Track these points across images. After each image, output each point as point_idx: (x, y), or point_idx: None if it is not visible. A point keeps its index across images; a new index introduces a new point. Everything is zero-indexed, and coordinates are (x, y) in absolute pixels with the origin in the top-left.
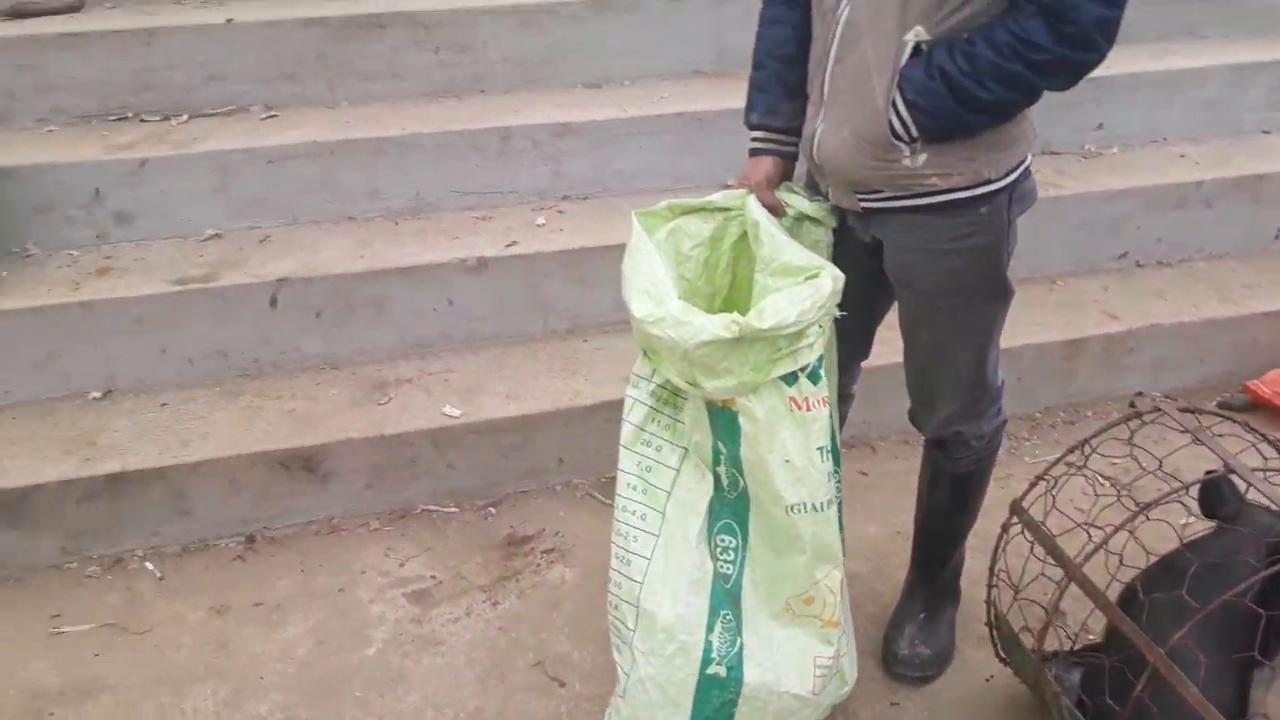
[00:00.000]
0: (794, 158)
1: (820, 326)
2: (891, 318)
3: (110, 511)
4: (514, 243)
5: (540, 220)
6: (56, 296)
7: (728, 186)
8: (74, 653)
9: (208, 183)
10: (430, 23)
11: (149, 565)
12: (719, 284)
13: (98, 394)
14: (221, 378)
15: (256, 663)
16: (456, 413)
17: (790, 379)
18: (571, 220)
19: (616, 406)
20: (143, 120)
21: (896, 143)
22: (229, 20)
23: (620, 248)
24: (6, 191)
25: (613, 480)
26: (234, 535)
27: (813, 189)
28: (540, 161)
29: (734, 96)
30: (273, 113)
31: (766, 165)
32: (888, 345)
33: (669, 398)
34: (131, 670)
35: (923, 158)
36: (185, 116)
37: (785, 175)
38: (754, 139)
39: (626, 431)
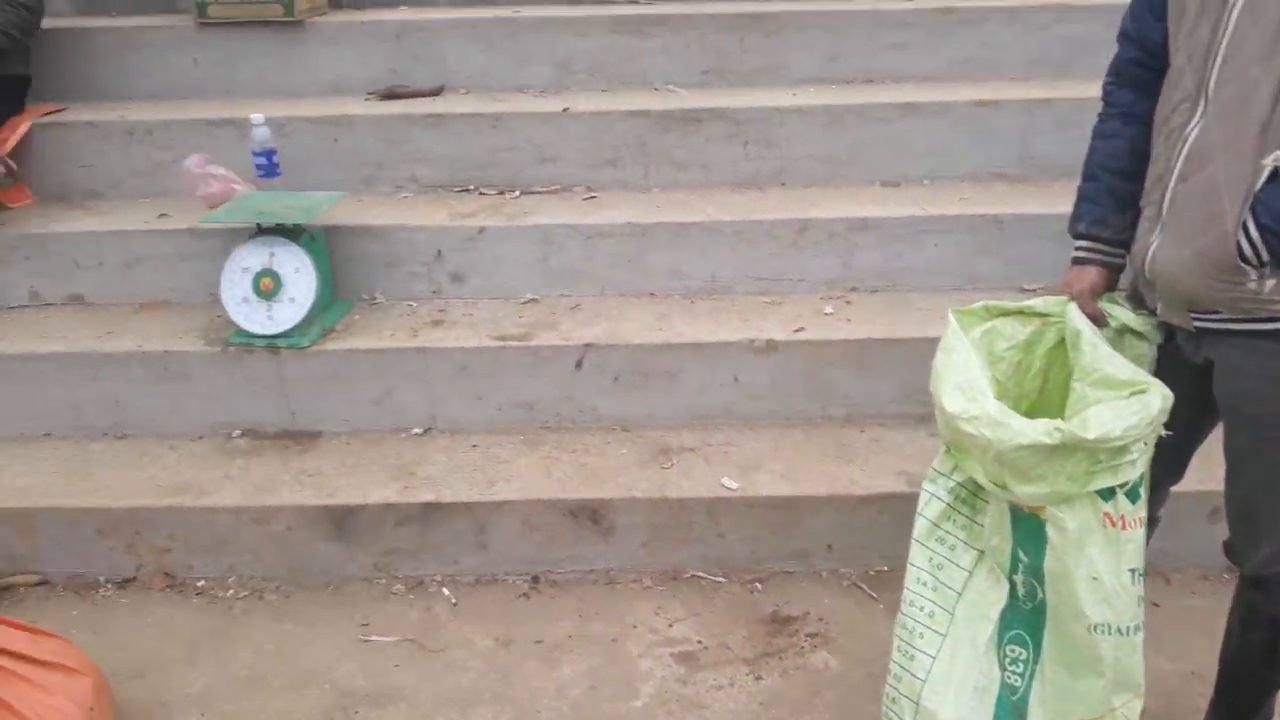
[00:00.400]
0: (1119, 269)
1: (1145, 444)
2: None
3: (420, 536)
4: (801, 328)
5: (828, 309)
6: (396, 341)
7: (1045, 293)
8: (378, 660)
9: (532, 252)
10: (742, 119)
11: (446, 591)
12: (1028, 388)
13: (420, 430)
14: (526, 427)
15: (535, 696)
16: (733, 485)
17: (1107, 494)
18: (859, 311)
19: (890, 500)
20: (482, 193)
21: (1244, 266)
22: (565, 109)
23: (907, 342)
24: (366, 246)
25: (881, 574)
26: (521, 573)
27: (1137, 302)
28: (833, 253)
29: (1036, 201)
30: (593, 194)
31: (1091, 275)
32: (1191, 470)
33: (968, 497)
34: (425, 684)
35: (1271, 283)
36: (518, 192)
37: (1109, 286)
38: (1079, 248)
39: (920, 526)
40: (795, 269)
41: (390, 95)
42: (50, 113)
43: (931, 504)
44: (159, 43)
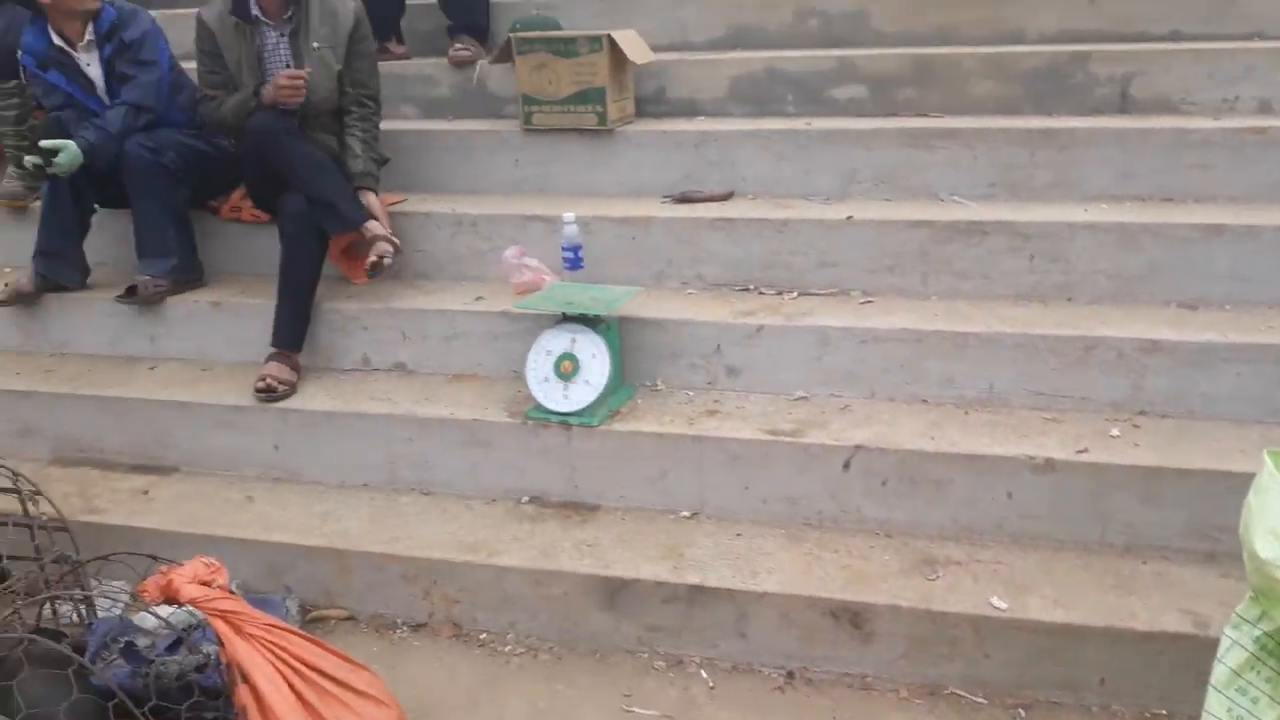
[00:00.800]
0: None
1: None
2: None
3: (684, 616)
4: (1084, 449)
5: (1114, 431)
6: (674, 427)
7: None
8: None
9: (806, 352)
10: (1029, 233)
11: (704, 673)
12: None
13: (688, 514)
14: (789, 522)
15: None
16: (1002, 605)
17: None
18: (1147, 436)
19: (1175, 640)
20: (762, 293)
21: None
22: (849, 217)
23: (1199, 474)
24: (653, 337)
25: (1158, 717)
26: (777, 667)
27: None
28: (1121, 374)
29: None
30: (870, 298)
31: None
32: None
33: (1275, 649)
34: None
35: None
36: (797, 293)
37: None
38: None
39: (1220, 673)
40: (1079, 387)
41: (684, 199)
42: (395, 202)
43: (1233, 651)
44: (487, 145)
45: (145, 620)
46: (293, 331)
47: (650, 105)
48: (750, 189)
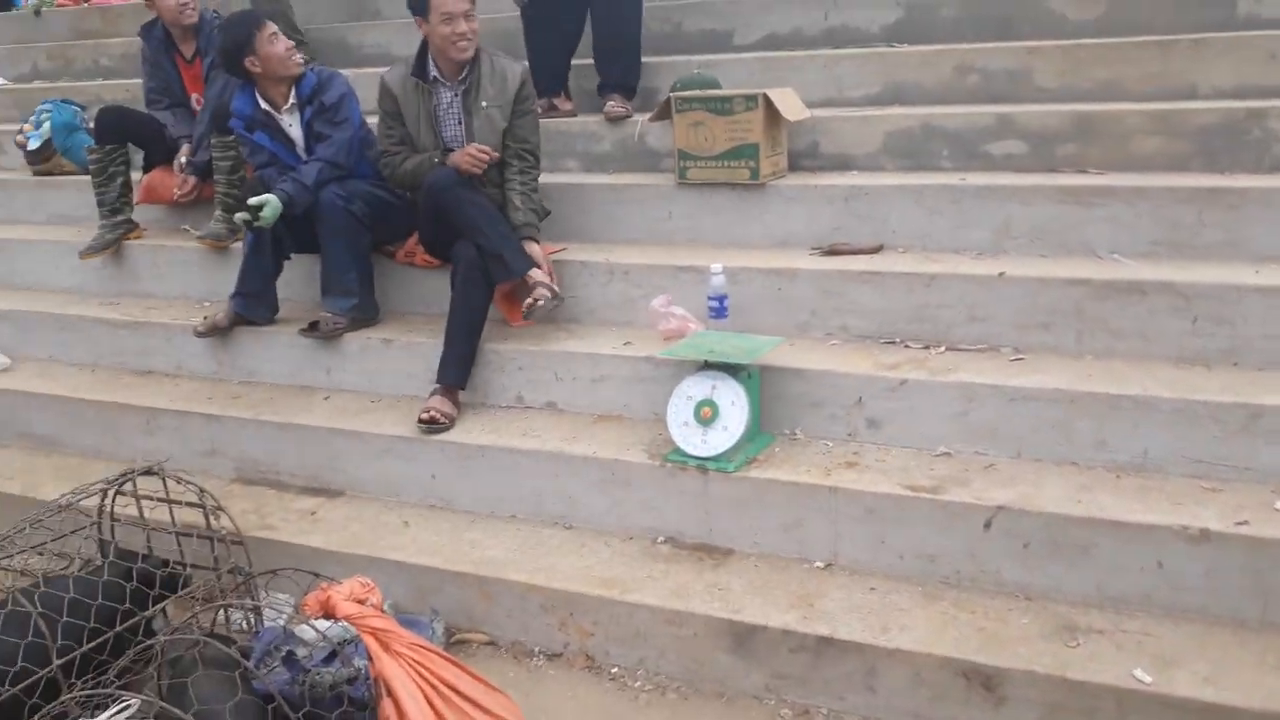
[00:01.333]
0: None
1: None
2: None
3: (810, 667)
4: (1244, 522)
5: (1279, 504)
6: (810, 477)
7: None
8: None
9: (951, 407)
10: (1192, 294)
11: None
12: None
13: (821, 564)
14: (925, 579)
15: None
16: (1147, 679)
17: None
18: None
19: None
20: (907, 346)
21: None
22: (1001, 273)
23: None
24: (793, 386)
25: None
26: None
27: None
28: None
29: None
30: (1020, 356)
31: None
32: None
33: None
34: None
35: None
36: (943, 348)
37: None
38: None
39: None
40: (1241, 456)
41: (833, 251)
42: (555, 251)
43: None
44: (643, 198)
45: (305, 632)
46: (457, 370)
47: (804, 159)
48: (900, 243)
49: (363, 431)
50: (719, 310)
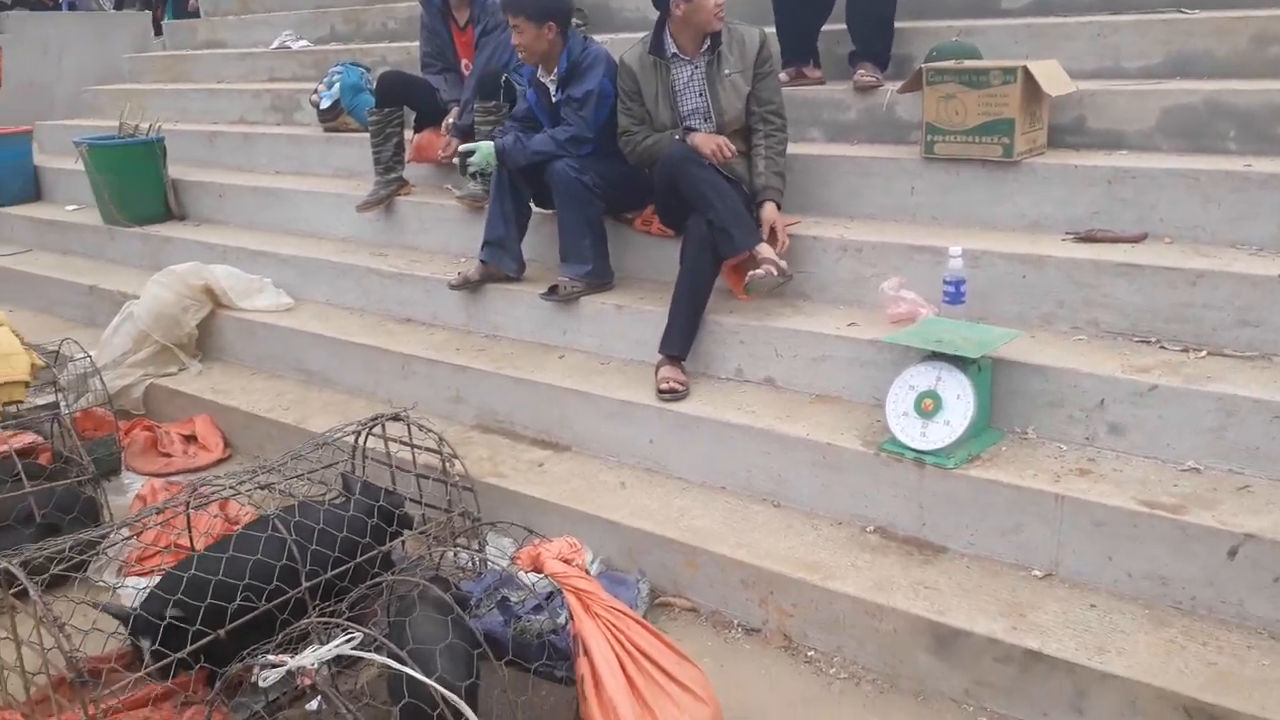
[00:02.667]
0: None
1: None
2: None
3: (1015, 679)
4: None
5: None
6: (1037, 481)
7: None
8: None
9: (1206, 420)
10: None
11: None
12: None
13: (1039, 573)
14: (1153, 602)
15: None
16: None
17: None
18: None
19: None
20: (1163, 348)
21: None
22: None
23: None
24: (1029, 382)
25: None
26: None
27: None
28: None
29: None
30: None
31: None
32: None
33: None
34: None
35: None
36: (1204, 353)
37: None
38: None
39: None
40: None
41: (1089, 238)
42: (790, 224)
43: None
44: (886, 172)
45: (522, 579)
46: (683, 340)
47: (1065, 136)
48: (1166, 232)
49: (592, 393)
50: (955, 295)
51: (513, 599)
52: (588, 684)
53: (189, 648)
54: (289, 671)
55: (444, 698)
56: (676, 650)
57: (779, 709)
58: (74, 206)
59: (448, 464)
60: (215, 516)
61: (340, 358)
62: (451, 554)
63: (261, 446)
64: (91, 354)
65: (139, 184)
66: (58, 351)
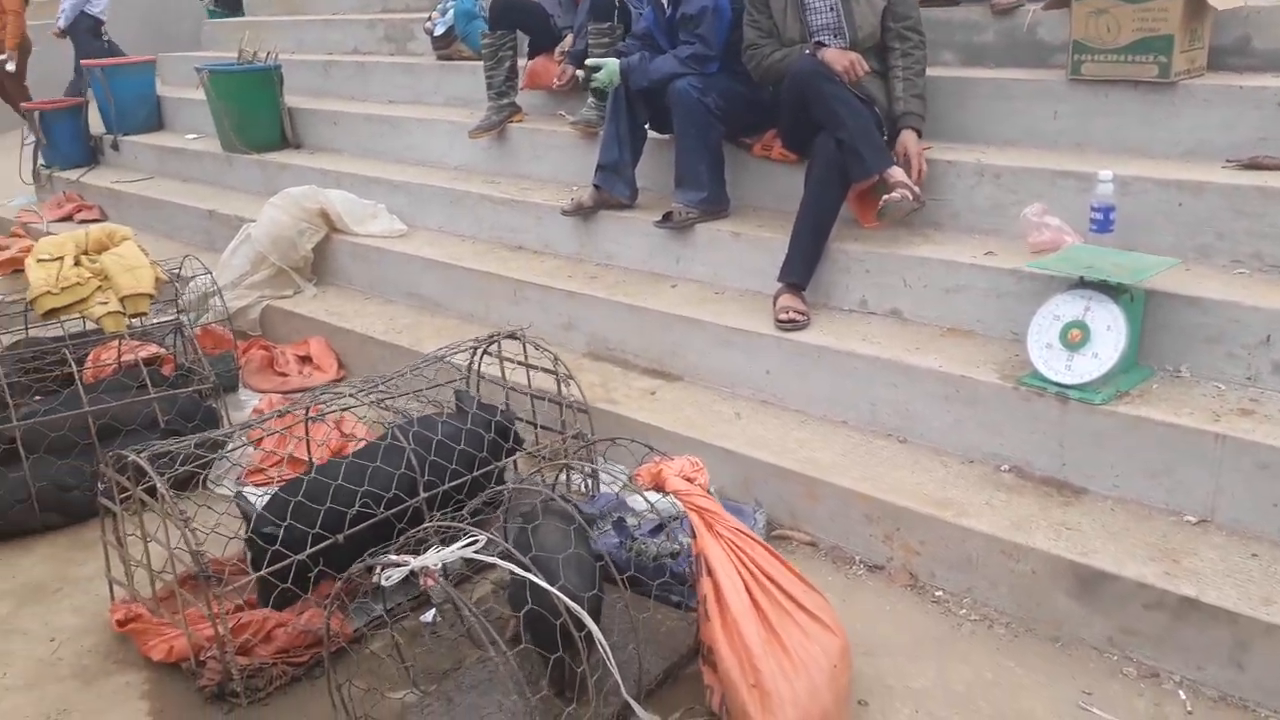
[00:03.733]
0: None
1: None
2: None
3: (1166, 628)
4: None
5: None
6: (1193, 420)
7: None
8: None
9: None
10: None
11: (1182, 694)
12: None
13: (1193, 519)
14: None
15: None
16: None
17: None
18: None
19: None
20: None
21: None
22: None
23: None
24: (1185, 316)
25: None
26: (1277, 709)
27: None
28: None
29: None
30: None
31: None
32: None
33: None
34: None
35: None
36: None
37: None
38: None
39: None
40: None
41: (1254, 165)
42: (923, 150)
43: None
44: (1026, 95)
45: (636, 503)
46: (805, 268)
47: (1228, 56)
48: None
49: (706, 321)
50: (1103, 223)
51: (629, 521)
52: (710, 604)
53: (308, 550)
54: (411, 573)
55: (567, 608)
56: (802, 578)
57: (907, 647)
58: (194, 135)
59: (563, 384)
60: (330, 430)
61: (452, 283)
62: (564, 475)
63: (375, 368)
64: (212, 272)
65: (257, 111)
66: (179, 269)
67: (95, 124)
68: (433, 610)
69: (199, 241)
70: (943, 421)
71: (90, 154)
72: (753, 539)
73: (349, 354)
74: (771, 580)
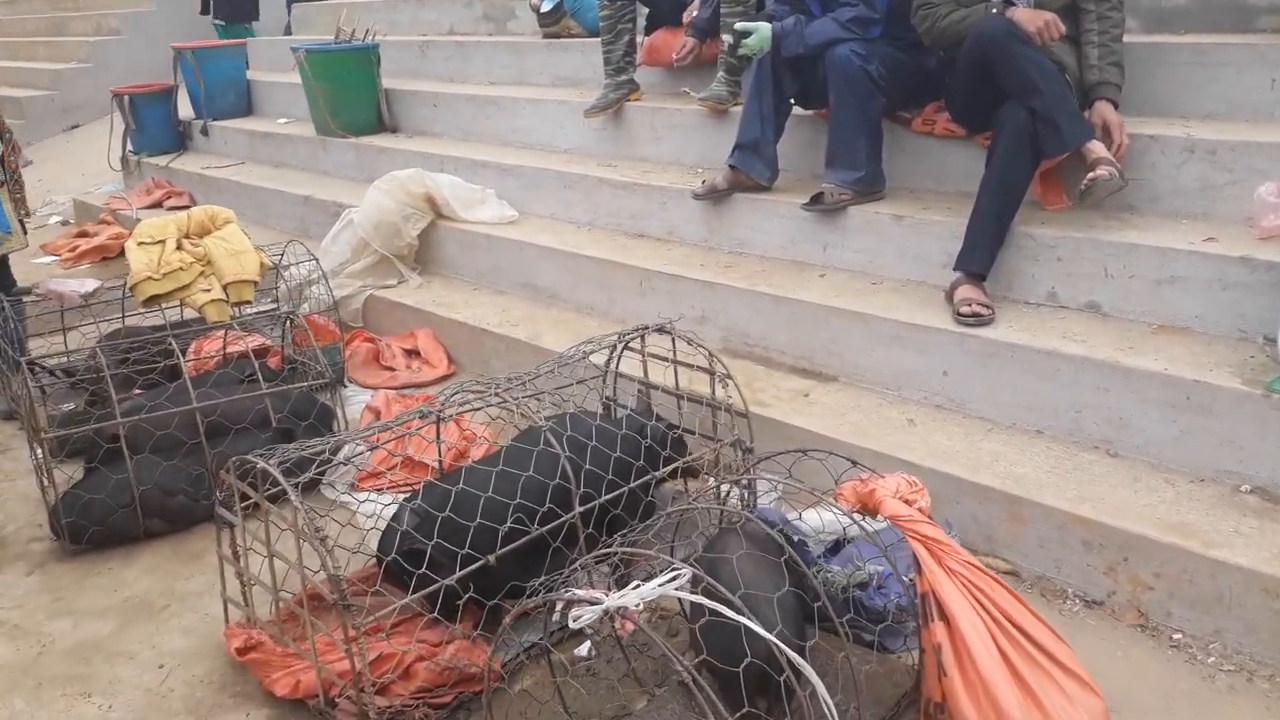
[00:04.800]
0: None
1: None
2: None
3: None
4: None
5: None
6: None
7: None
8: None
9: None
10: None
11: None
12: None
13: None
14: None
15: None
16: None
17: None
18: None
19: None
20: None
21: None
22: None
23: None
24: None
25: None
26: None
27: None
28: None
29: None
30: None
31: None
32: None
33: None
34: None
35: None
36: None
37: None
38: None
39: None
40: None
41: None
42: None
43: None
44: (1234, 61)
45: (806, 521)
46: (987, 254)
47: None
48: None
49: (867, 314)
50: None
51: (809, 544)
52: (946, 656)
53: (456, 574)
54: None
55: (785, 658)
56: (1049, 625)
57: (1153, 702)
58: (285, 120)
59: (720, 385)
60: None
61: (570, 273)
62: (726, 488)
63: (487, 363)
64: (317, 259)
65: (354, 92)
66: (282, 254)
67: (184, 109)
68: (587, 644)
69: (293, 228)
70: (1166, 433)
71: (179, 139)
72: (992, 578)
73: (458, 347)
74: (1019, 629)
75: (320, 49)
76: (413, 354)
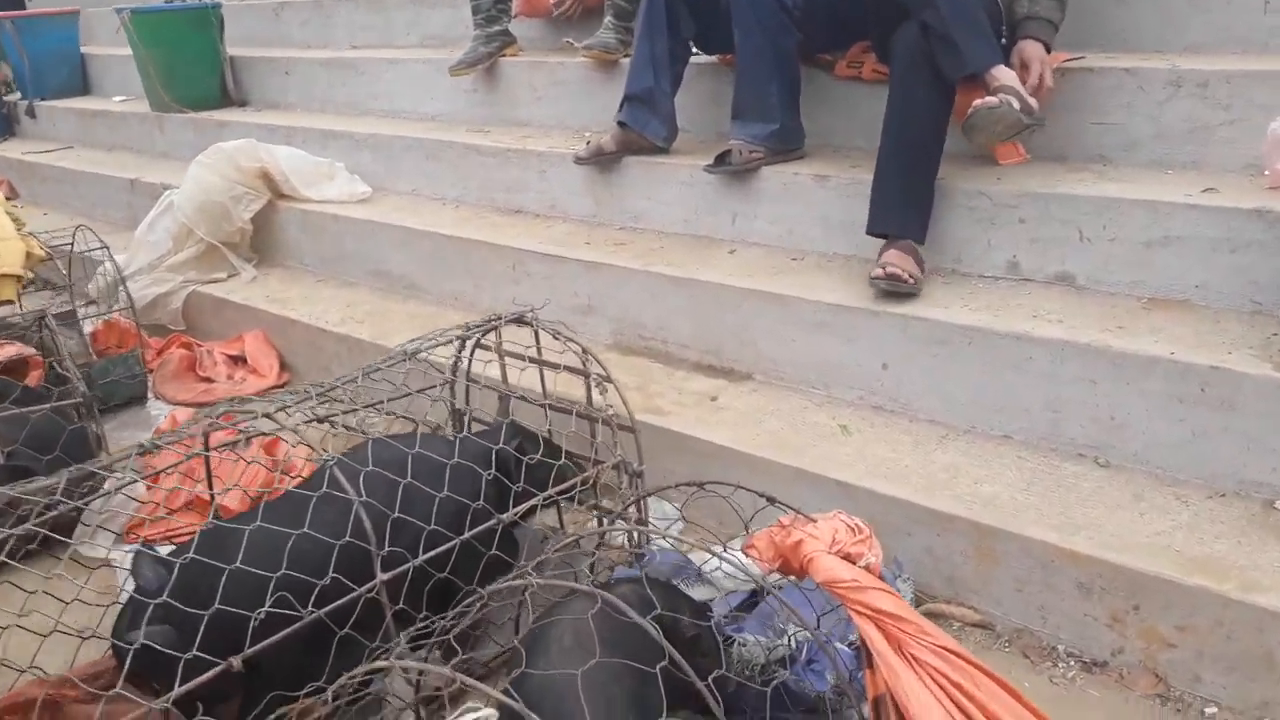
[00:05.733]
0: None
1: None
2: None
3: None
4: None
5: None
6: None
7: None
8: None
9: None
10: None
11: None
12: None
13: None
14: None
15: None
16: None
17: None
18: None
19: None
20: None
21: None
22: None
23: None
24: None
25: None
26: None
27: None
28: None
29: None
30: None
31: None
32: None
33: None
34: None
35: None
36: None
37: None
38: None
39: None
40: None
41: None
42: (1066, 60)
43: None
44: None
45: (714, 568)
46: (903, 212)
47: None
48: None
49: (786, 295)
50: None
51: (713, 604)
52: None
53: (187, 684)
54: None
55: None
56: (1018, 696)
57: None
58: (123, 98)
59: (597, 390)
60: (252, 462)
61: (430, 258)
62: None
63: (327, 370)
64: (108, 243)
65: (190, 60)
66: (72, 243)
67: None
68: None
69: (122, 219)
70: (1172, 434)
71: (4, 122)
72: (972, 665)
73: (294, 351)
74: None
75: (148, 10)
76: (237, 361)
